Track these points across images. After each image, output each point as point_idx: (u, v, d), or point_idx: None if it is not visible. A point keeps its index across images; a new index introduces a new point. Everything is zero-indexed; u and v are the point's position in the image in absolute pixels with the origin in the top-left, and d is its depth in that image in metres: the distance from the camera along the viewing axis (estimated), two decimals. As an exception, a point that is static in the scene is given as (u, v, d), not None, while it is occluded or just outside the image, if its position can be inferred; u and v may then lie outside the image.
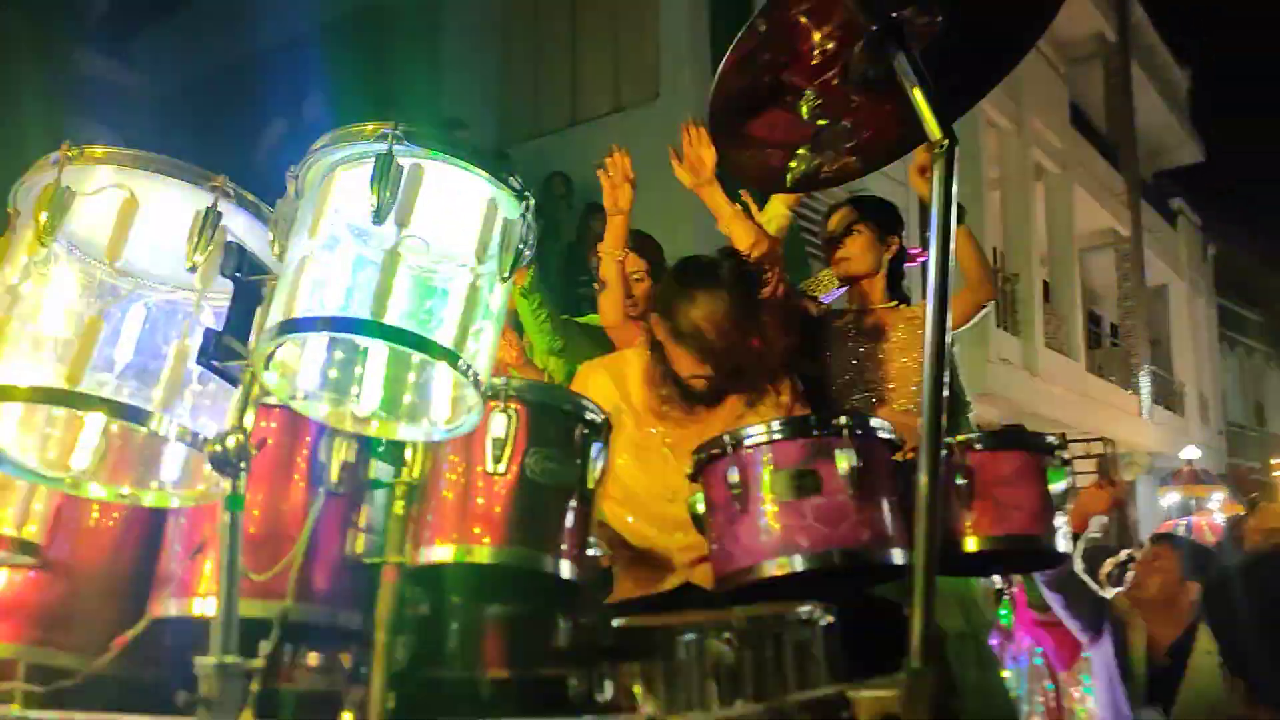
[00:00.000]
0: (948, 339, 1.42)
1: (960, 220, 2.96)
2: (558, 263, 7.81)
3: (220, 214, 1.33)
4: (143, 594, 1.63)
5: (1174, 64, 22.13)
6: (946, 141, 1.41)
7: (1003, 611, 3.49)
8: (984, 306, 3.05)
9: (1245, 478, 10.50)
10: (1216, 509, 10.68)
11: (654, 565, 2.35)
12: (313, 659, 1.55)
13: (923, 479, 1.38)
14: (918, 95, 1.39)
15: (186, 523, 1.56)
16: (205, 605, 1.47)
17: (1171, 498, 10.83)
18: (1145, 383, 17.94)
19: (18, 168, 1.34)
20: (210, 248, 1.32)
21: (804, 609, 1.73)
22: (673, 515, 2.34)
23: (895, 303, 3.15)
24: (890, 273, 3.19)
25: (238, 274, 1.34)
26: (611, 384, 2.56)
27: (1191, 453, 12.54)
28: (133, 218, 1.32)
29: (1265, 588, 2.25)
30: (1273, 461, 15.62)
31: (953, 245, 1.42)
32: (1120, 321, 18.84)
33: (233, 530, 1.27)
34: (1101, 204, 17.50)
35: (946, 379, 1.46)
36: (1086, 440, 16.73)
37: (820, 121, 1.56)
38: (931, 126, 1.40)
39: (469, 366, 1.27)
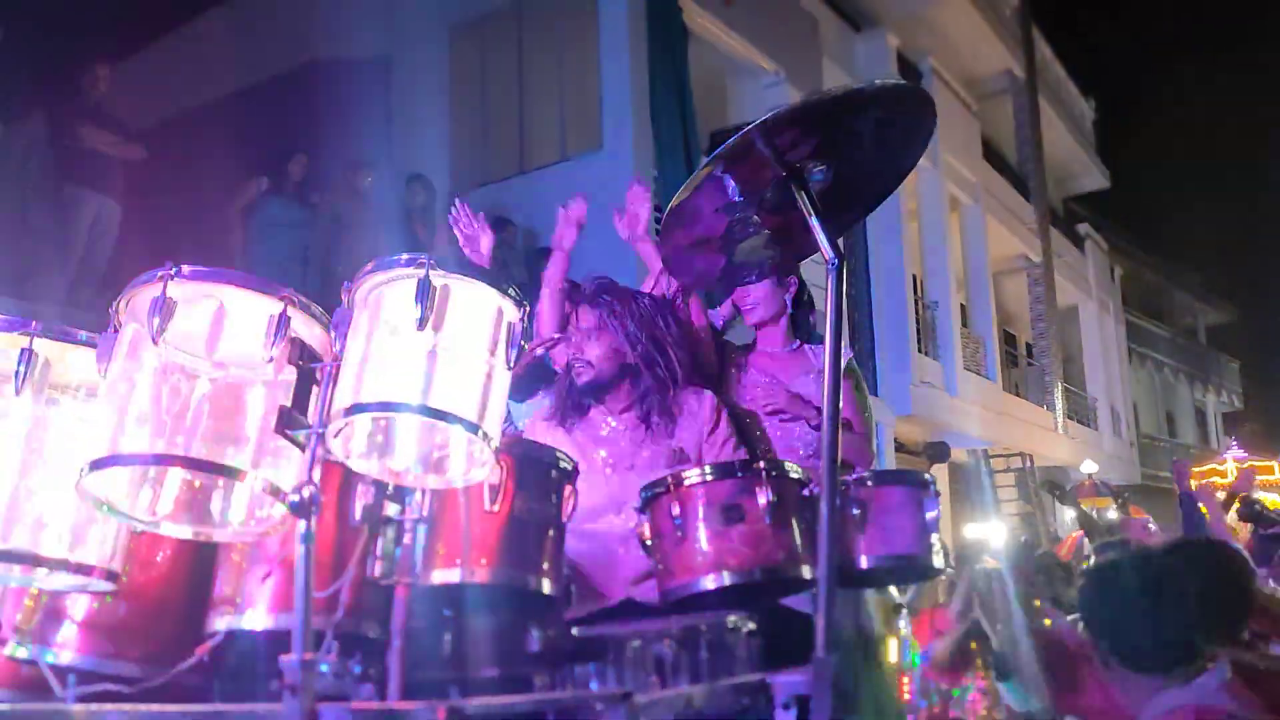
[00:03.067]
0: (839, 434, 1.86)
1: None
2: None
3: (289, 318, 1.74)
4: (193, 613, 2.02)
5: (1079, 96, 23.26)
6: (838, 259, 1.85)
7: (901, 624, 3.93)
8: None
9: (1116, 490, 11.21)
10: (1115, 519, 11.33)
11: (594, 585, 2.79)
12: (324, 666, 1.93)
13: (823, 509, 1.84)
14: (814, 223, 1.85)
15: (246, 552, 1.94)
16: (260, 619, 1.87)
17: (1073, 511, 11.47)
18: (1059, 399, 18.79)
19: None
20: (283, 343, 1.73)
21: (730, 618, 2.18)
22: (619, 528, 2.79)
23: (797, 343, 3.54)
24: (794, 313, 3.57)
25: (300, 362, 1.75)
26: (547, 426, 3.06)
27: (1090, 466, 13.27)
28: (224, 320, 1.72)
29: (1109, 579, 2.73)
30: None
31: (843, 348, 1.87)
32: (1034, 342, 19.70)
33: (306, 558, 1.68)
34: (1013, 232, 18.36)
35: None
36: (1006, 455, 17.52)
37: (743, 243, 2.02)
38: (824, 246, 1.85)
39: (486, 434, 1.71)
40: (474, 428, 1.69)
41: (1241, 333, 33.51)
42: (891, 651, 3.65)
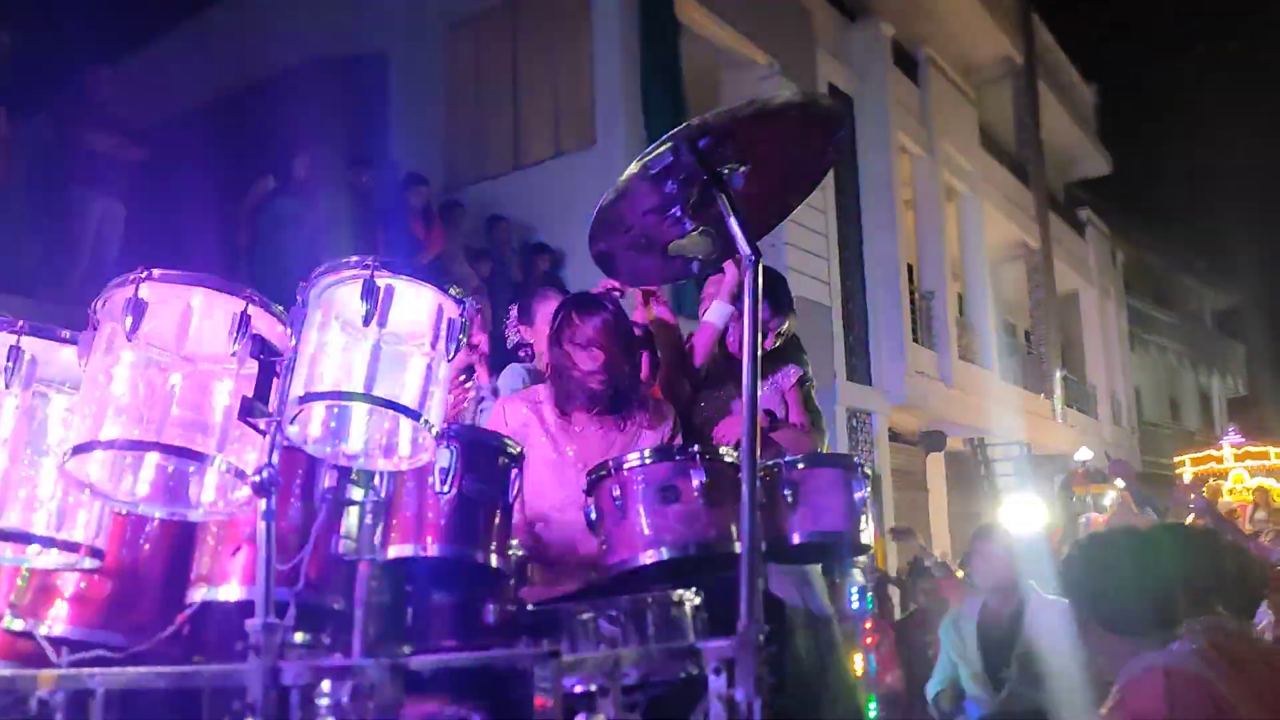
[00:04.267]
0: (758, 405, 2.04)
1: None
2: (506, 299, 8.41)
3: (250, 316, 1.93)
4: (172, 588, 2.21)
5: (1080, 81, 23.31)
6: (754, 256, 2.03)
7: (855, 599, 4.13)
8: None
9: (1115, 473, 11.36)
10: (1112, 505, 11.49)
11: (559, 569, 2.98)
12: (299, 637, 2.13)
13: (745, 491, 2.02)
14: (732, 222, 2.03)
15: (218, 531, 2.14)
16: (233, 591, 2.06)
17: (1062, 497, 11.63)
18: (1058, 387, 18.93)
19: None
20: (244, 339, 1.92)
21: (676, 593, 2.37)
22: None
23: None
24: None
25: (261, 355, 1.94)
26: (529, 412, 3.21)
27: (1084, 453, 13.42)
28: (191, 318, 1.91)
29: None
30: (1177, 459, 16.57)
31: (759, 333, 2.04)
32: (1033, 330, 19.83)
33: (268, 534, 1.87)
34: (1011, 219, 18.48)
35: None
36: (1004, 444, 17.67)
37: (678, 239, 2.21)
38: (742, 244, 2.03)
39: (427, 420, 1.89)
40: (415, 415, 1.88)
41: (1248, 317, 33.46)
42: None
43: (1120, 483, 11.74)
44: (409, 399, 1.89)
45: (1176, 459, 16.82)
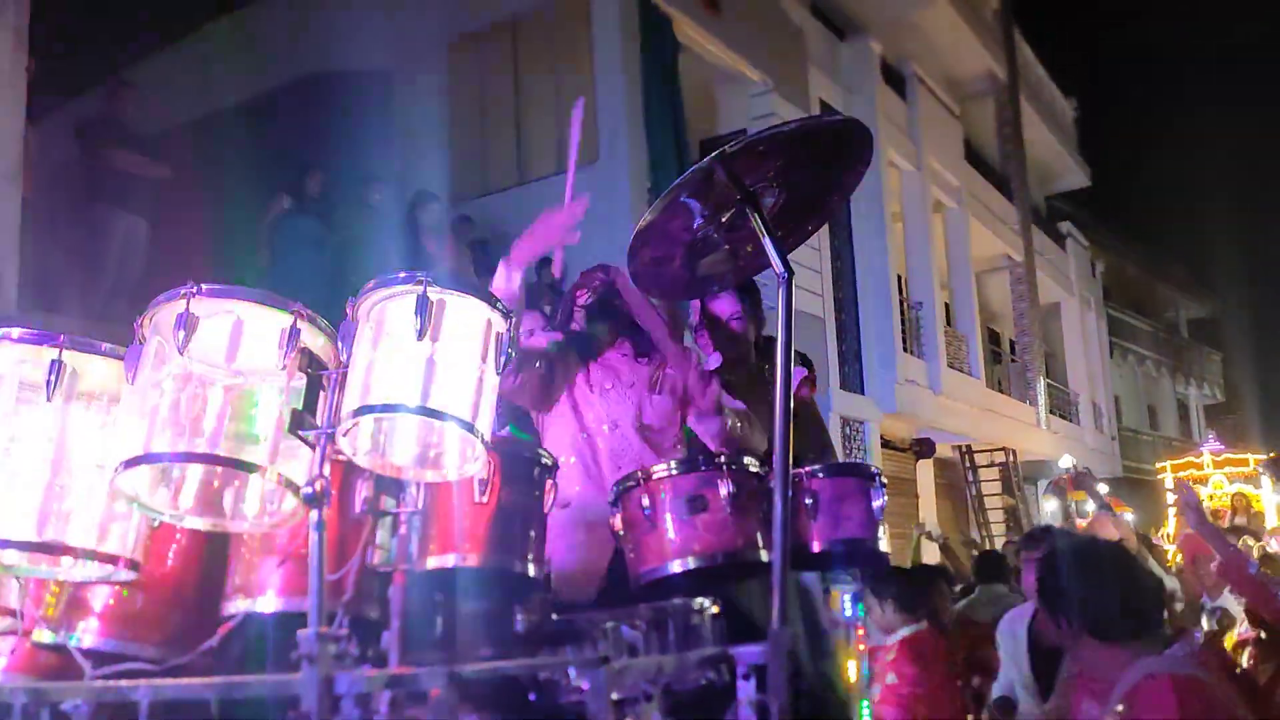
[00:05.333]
0: (790, 414, 2.02)
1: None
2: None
3: (299, 330, 1.90)
4: (206, 601, 2.17)
5: (1060, 95, 23.42)
6: (788, 274, 2.01)
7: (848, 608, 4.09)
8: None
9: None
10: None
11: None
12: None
13: (777, 502, 2.00)
14: (766, 242, 2.01)
15: (257, 545, 2.10)
16: (271, 603, 2.03)
17: (1053, 504, 11.60)
18: (1041, 395, 18.96)
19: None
20: (294, 353, 1.89)
21: (696, 601, 2.35)
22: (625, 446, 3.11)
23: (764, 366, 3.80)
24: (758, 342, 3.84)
25: (309, 369, 1.91)
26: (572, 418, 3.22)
27: (1067, 460, 13.42)
28: (241, 332, 1.88)
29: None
30: (1158, 465, 16.62)
31: (791, 348, 2.02)
32: (1017, 339, 19.88)
33: (320, 544, 1.84)
34: (996, 233, 18.53)
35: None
36: (990, 450, 17.71)
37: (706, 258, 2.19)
38: (775, 262, 2.01)
39: (478, 430, 1.87)
40: (468, 426, 1.85)
41: (1223, 325, 33.65)
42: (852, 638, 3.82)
43: (1102, 488, 11.78)
44: (461, 411, 1.86)
45: (1158, 465, 16.87)
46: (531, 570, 2.16)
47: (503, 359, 1.92)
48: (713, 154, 1.99)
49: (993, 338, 21.27)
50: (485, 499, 2.11)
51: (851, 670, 4.06)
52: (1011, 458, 17.56)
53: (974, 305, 17.50)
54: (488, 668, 1.87)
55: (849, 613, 4.01)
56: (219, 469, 1.94)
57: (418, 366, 1.84)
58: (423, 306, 1.84)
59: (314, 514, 1.83)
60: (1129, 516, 15.49)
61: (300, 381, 1.91)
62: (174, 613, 2.19)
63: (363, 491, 2.09)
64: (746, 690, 2.15)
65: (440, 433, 1.97)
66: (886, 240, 14.59)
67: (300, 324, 1.91)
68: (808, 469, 2.65)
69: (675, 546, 2.39)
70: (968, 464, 17.24)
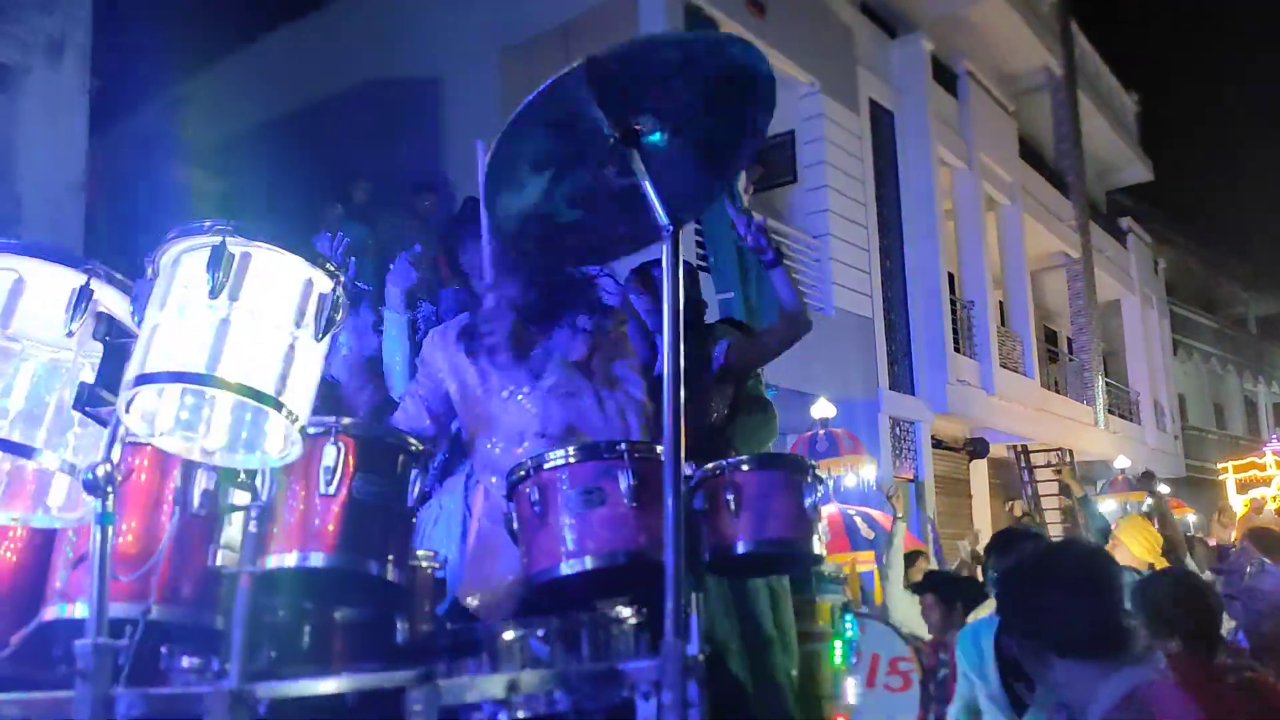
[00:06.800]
0: (681, 392, 1.65)
1: (777, 262, 3.20)
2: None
3: (92, 291, 1.58)
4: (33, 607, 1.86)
5: (1120, 89, 22.41)
6: (671, 226, 1.64)
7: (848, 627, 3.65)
8: (797, 339, 3.25)
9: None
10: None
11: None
12: (185, 661, 1.77)
13: (668, 497, 1.63)
14: (648, 186, 1.64)
15: (72, 541, 1.79)
16: (81, 609, 1.71)
17: (1108, 505, 10.96)
18: (1099, 394, 18.13)
19: None
20: (84, 317, 1.57)
21: (615, 610, 1.98)
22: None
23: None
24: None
25: (107, 337, 1.59)
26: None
27: (1122, 461, 12.68)
28: (20, 294, 1.57)
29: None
30: (1219, 465, 15.76)
31: (680, 310, 1.65)
32: (1074, 338, 19.05)
33: (103, 541, 1.51)
34: (1052, 230, 17.75)
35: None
36: (1047, 450, 16.97)
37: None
38: (658, 211, 1.64)
39: (286, 408, 1.52)
40: (264, 397, 1.51)
41: (1294, 323, 32.07)
42: (837, 653, 3.40)
43: (1164, 489, 11.11)
44: (260, 382, 1.52)
45: (1219, 465, 16.00)
46: (391, 573, 1.81)
47: (323, 324, 1.58)
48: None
49: (1049, 336, 20.41)
50: (334, 490, 1.77)
51: (848, 688, 3.61)
52: (1069, 458, 16.77)
53: (1028, 304, 16.73)
54: (293, 686, 1.52)
55: (836, 626, 3.56)
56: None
57: (207, 329, 1.50)
58: (217, 260, 1.50)
59: (97, 503, 1.51)
60: (1191, 518, 14.70)
61: (97, 351, 1.60)
62: (7, 618, 1.89)
63: (203, 483, 1.77)
64: (647, 712, 1.78)
65: (257, 412, 1.63)
66: (938, 239, 13.99)
67: (95, 284, 1.59)
68: (730, 461, 2.26)
69: (567, 545, 2.02)
70: (1023, 464, 16.51)
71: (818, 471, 2.31)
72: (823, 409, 9.36)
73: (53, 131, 6.16)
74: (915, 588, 6.25)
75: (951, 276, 15.19)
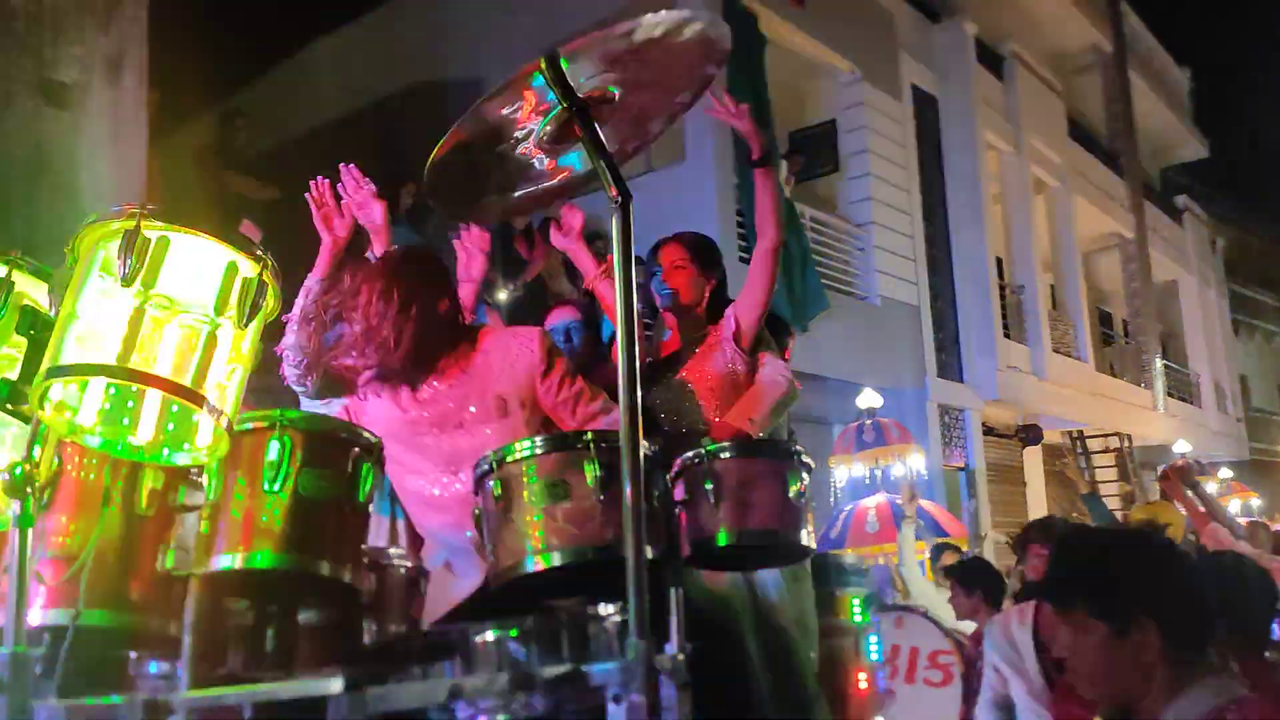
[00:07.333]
0: (636, 365, 1.51)
1: (766, 162, 3.03)
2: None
3: (13, 283, 1.49)
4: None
5: (1173, 65, 21.71)
6: (621, 198, 1.51)
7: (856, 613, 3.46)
8: (776, 252, 3.06)
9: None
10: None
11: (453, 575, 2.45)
12: (154, 668, 1.69)
13: (627, 489, 1.50)
14: (600, 161, 1.51)
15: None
16: (33, 615, 1.61)
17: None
18: (1158, 377, 17.58)
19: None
20: (5, 310, 1.48)
21: (597, 608, 1.85)
22: (464, 494, 2.42)
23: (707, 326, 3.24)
24: (711, 304, 3.27)
25: (31, 331, 1.50)
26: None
27: (1182, 446, 12.24)
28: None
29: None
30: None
31: (632, 284, 1.51)
32: (1130, 320, 18.51)
33: (22, 545, 1.42)
34: (1104, 210, 17.25)
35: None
36: (1104, 436, 16.49)
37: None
38: (609, 185, 1.51)
39: (207, 401, 1.42)
40: (183, 391, 1.40)
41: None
42: (870, 646, 3.23)
43: (1226, 473, 10.71)
44: (179, 374, 1.41)
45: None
46: (343, 573, 1.70)
47: (247, 311, 1.47)
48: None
49: (1104, 319, 19.84)
50: (278, 487, 1.66)
51: (875, 682, 3.43)
52: (1127, 443, 16.28)
53: (1081, 286, 16.25)
54: (206, 694, 1.42)
55: (858, 618, 3.39)
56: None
57: (119, 319, 1.40)
58: (130, 245, 1.40)
59: (14, 505, 1.42)
60: (1255, 502, 14.20)
61: (19, 345, 1.51)
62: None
63: (150, 481, 1.68)
64: (616, 716, 1.65)
65: (182, 405, 1.52)
66: (984, 224, 13.62)
67: (16, 274, 1.50)
68: (709, 449, 2.11)
69: (533, 541, 1.89)
70: (1079, 450, 16.05)
71: (804, 458, 2.15)
72: (869, 399, 9.19)
73: (113, 147, 6.23)
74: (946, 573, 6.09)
75: (1000, 261, 14.82)
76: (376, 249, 3.09)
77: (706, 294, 3.24)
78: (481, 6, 12.01)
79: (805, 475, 2.12)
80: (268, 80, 13.48)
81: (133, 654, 1.77)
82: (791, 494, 2.08)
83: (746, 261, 3.42)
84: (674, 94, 1.74)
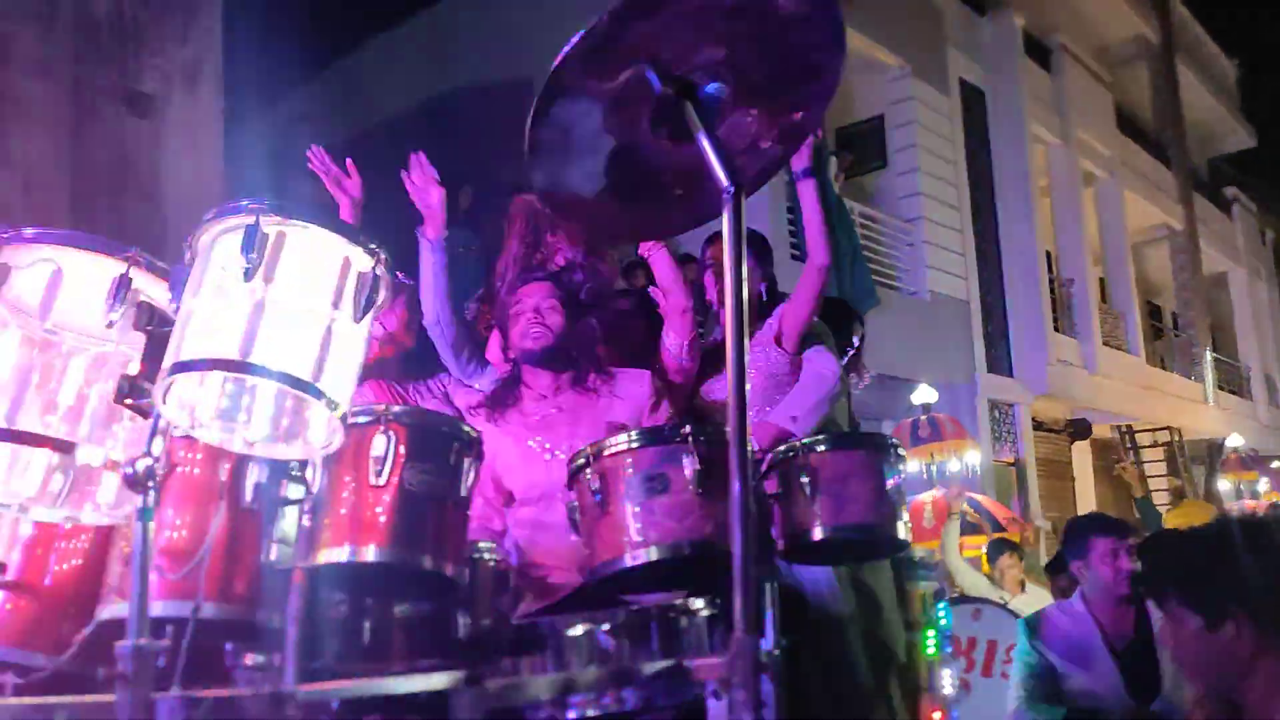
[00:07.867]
0: (747, 357, 1.48)
1: (808, 174, 2.97)
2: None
3: (131, 279, 1.50)
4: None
5: (1220, 55, 21.26)
6: (733, 188, 1.47)
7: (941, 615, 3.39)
8: (824, 270, 3.01)
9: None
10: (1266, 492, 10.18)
11: (547, 575, 2.46)
12: (249, 659, 1.68)
13: (734, 481, 1.46)
14: (706, 144, 1.47)
15: (128, 537, 1.71)
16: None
17: (1223, 485, 10.33)
18: (1208, 370, 17.26)
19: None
20: (124, 307, 1.49)
21: (685, 601, 1.83)
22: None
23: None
24: (765, 300, 3.24)
25: (149, 327, 1.50)
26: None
27: (1235, 440, 11.97)
28: (59, 285, 1.49)
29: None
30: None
31: (744, 274, 1.48)
32: (1180, 313, 18.17)
33: (144, 537, 1.43)
34: (1153, 202, 16.96)
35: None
36: (1153, 430, 16.21)
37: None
38: (719, 173, 1.47)
39: (325, 394, 1.42)
40: (302, 385, 1.40)
41: None
42: (930, 643, 3.18)
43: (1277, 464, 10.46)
44: (297, 368, 1.41)
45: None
46: (446, 567, 1.70)
47: (362, 305, 1.47)
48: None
49: (1153, 312, 19.49)
50: (383, 481, 1.66)
51: (943, 679, 3.37)
52: (1177, 437, 16.00)
53: (1130, 279, 15.99)
54: (334, 689, 1.42)
55: (929, 613, 3.33)
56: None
57: (240, 313, 1.40)
58: (250, 241, 1.40)
59: (139, 498, 1.42)
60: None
61: (139, 342, 1.52)
62: (65, 617, 1.82)
63: (255, 475, 1.68)
64: (717, 712, 1.64)
65: (299, 401, 1.52)
66: (1033, 217, 13.44)
67: (135, 272, 1.51)
68: (805, 441, 2.08)
69: (630, 535, 1.87)
70: (1129, 444, 15.79)
71: (900, 450, 2.12)
72: (924, 394, 9.11)
73: (193, 156, 6.35)
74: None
75: (1049, 255, 14.61)
76: (429, 232, 3.39)
77: (761, 290, 3.22)
78: (529, 4, 12.02)
79: (901, 468, 2.09)
80: (321, 83, 13.56)
81: (228, 646, 1.77)
82: (888, 487, 2.05)
83: (797, 259, 3.38)
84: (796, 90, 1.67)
